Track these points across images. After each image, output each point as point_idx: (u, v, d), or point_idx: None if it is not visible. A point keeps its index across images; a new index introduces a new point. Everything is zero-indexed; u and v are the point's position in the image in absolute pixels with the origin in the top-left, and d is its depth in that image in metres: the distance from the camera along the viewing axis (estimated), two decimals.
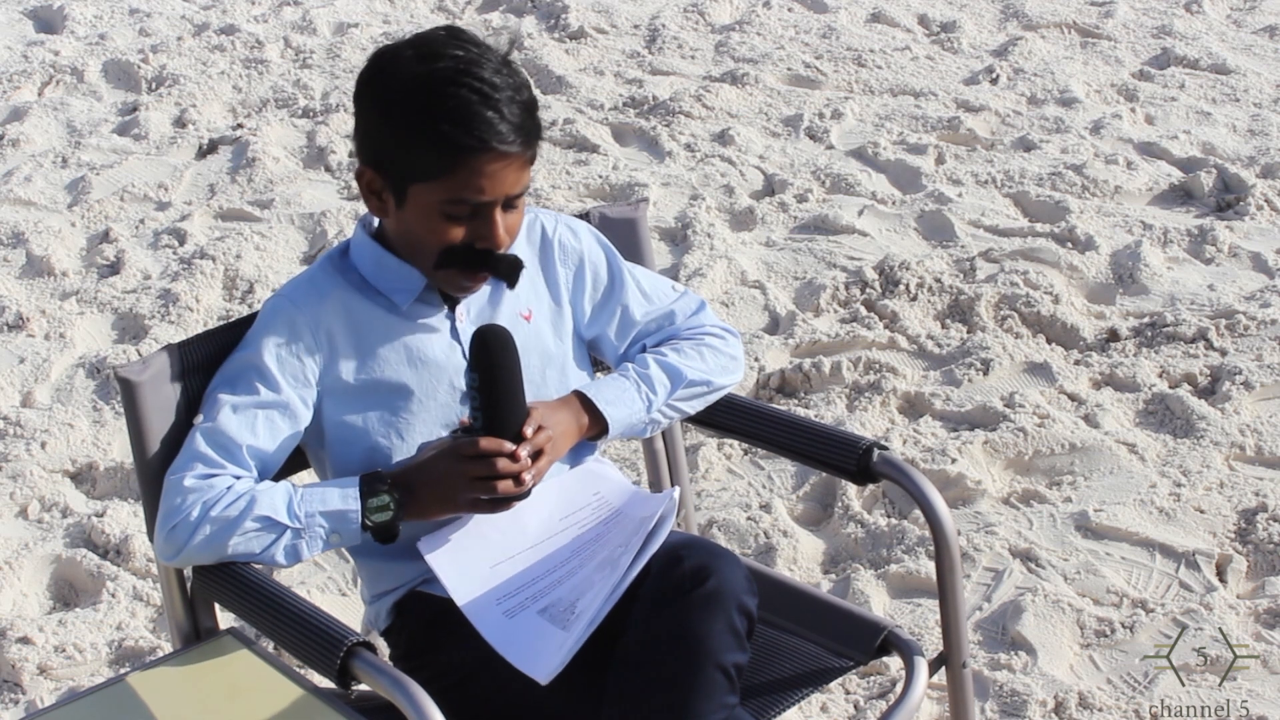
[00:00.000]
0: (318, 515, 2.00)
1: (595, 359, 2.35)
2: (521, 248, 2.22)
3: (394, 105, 1.99)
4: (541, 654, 1.91)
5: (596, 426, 2.15)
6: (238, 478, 2.03)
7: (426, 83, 1.97)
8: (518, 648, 1.93)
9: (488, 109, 1.96)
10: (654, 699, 1.90)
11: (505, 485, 1.99)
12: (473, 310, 2.15)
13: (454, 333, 2.13)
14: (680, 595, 1.91)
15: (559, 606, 1.97)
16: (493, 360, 1.99)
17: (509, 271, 2.08)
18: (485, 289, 2.16)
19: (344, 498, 2.01)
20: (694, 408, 2.27)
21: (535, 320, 2.20)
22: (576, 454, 2.22)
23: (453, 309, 2.14)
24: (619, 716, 1.91)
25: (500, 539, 2.08)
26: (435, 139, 1.96)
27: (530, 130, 2.01)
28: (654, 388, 2.20)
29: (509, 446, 1.99)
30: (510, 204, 2.04)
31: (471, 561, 2.05)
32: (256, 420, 2.05)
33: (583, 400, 2.15)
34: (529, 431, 2.02)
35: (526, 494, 2.03)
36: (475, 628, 1.96)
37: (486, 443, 1.99)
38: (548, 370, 2.19)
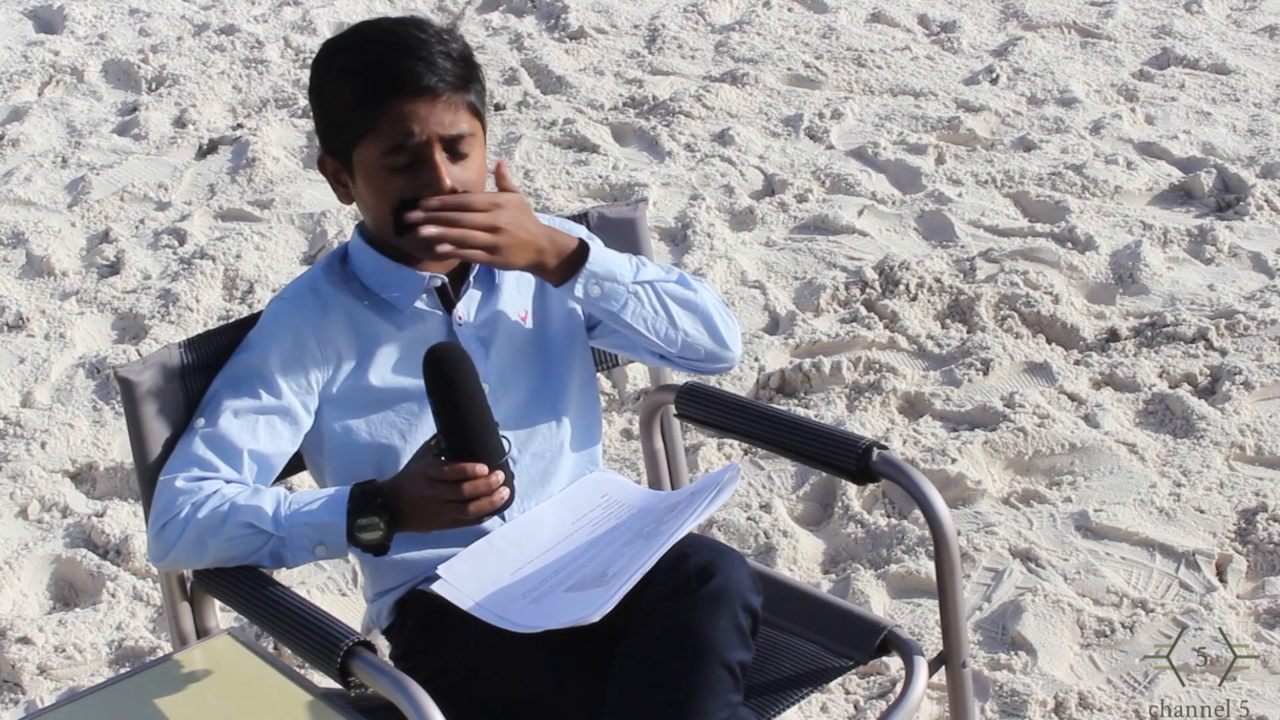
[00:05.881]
0: (304, 526, 1.97)
1: (603, 357, 2.36)
2: None
3: (325, 80, 2.06)
4: (586, 605, 1.87)
5: (575, 255, 2.07)
6: (229, 482, 2.02)
7: (348, 50, 2.04)
8: (556, 616, 1.89)
9: (406, 57, 2.00)
10: (657, 696, 1.89)
11: (478, 506, 1.94)
12: (470, 313, 2.15)
13: (452, 336, 2.13)
14: (685, 593, 1.91)
15: (587, 580, 1.94)
16: (448, 382, 1.92)
17: None
18: (477, 294, 2.15)
19: (332, 511, 1.97)
20: (679, 320, 2.15)
21: (533, 322, 2.19)
22: (576, 466, 2.23)
23: (450, 311, 2.14)
24: (622, 714, 1.91)
25: (516, 551, 2.07)
26: (359, 94, 2.01)
27: (458, 73, 2.02)
28: (645, 266, 2.14)
29: (475, 468, 1.93)
30: (455, 151, 2.03)
31: (490, 575, 2.04)
32: (257, 425, 2.04)
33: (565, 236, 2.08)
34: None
35: (507, 506, 1.97)
36: (503, 627, 1.92)
37: (451, 470, 1.93)
38: (546, 374, 2.19)
